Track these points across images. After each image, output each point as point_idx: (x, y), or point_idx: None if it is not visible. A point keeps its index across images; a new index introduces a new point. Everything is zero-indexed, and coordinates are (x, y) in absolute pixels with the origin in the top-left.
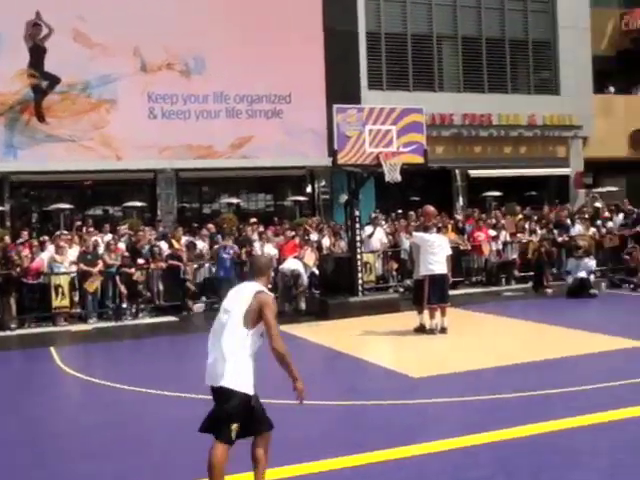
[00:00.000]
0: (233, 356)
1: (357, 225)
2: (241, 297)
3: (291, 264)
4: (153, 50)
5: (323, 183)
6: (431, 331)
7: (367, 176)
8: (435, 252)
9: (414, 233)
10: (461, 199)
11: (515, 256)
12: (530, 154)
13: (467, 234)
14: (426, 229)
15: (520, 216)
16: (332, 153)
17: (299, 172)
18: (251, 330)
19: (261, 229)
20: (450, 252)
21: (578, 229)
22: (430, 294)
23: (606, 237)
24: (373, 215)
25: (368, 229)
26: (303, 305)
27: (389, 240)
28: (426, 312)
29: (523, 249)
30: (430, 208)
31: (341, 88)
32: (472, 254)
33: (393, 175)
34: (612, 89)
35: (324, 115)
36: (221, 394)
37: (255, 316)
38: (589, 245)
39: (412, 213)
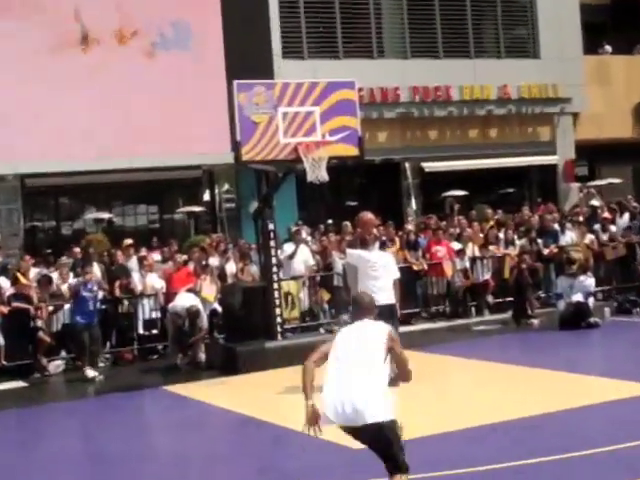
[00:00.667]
0: (379, 391)
1: (272, 243)
2: (371, 336)
3: (185, 300)
4: None
5: (226, 187)
6: None
7: (283, 176)
8: (378, 275)
9: (348, 251)
10: (413, 202)
11: (487, 277)
12: (503, 138)
13: (422, 249)
14: (364, 244)
15: (492, 222)
16: (235, 146)
17: (193, 174)
18: (386, 365)
19: (142, 253)
20: (398, 275)
21: (570, 237)
22: None
23: (608, 246)
24: (294, 228)
25: (288, 248)
26: (202, 356)
27: (317, 262)
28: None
29: (498, 267)
30: (368, 215)
31: (246, 58)
32: (430, 276)
33: (318, 173)
34: (608, 48)
35: (224, 95)
36: (365, 431)
37: (387, 353)
38: (585, 258)
39: (347, 224)
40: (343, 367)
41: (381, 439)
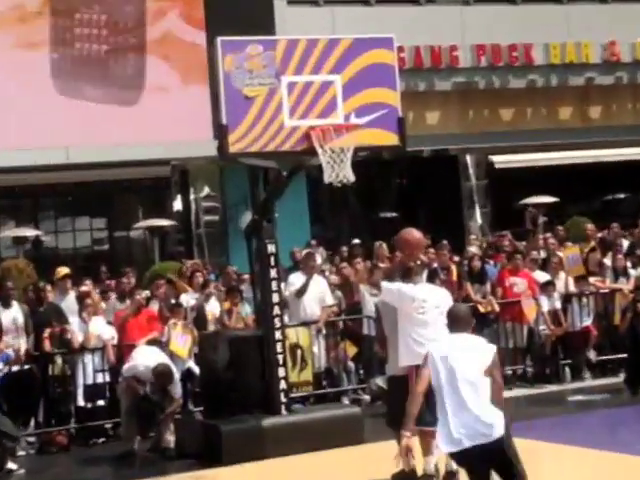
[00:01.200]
0: (491, 407)
1: (274, 272)
2: (476, 351)
3: (148, 356)
4: None
5: (205, 192)
6: (427, 479)
7: (289, 175)
8: (427, 320)
9: (384, 285)
10: (478, 213)
11: (588, 323)
12: (610, 119)
13: (492, 282)
14: (407, 275)
15: (594, 243)
16: (219, 133)
17: (157, 172)
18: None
19: (84, 288)
20: None
21: None
22: (423, 405)
23: None
24: (304, 252)
25: (295, 280)
26: (171, 439)
27: (338, 300)
28: (413, 441)
29: (604, 308)
30: (413, 234)
31: (234, 5)
32: (503, 322)
33: (339, 171)
34: None
35: (202, 59)
36: (497, 445)
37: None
38: None
39: (381, 244)
40: (451, 389)
41: (509, 451)
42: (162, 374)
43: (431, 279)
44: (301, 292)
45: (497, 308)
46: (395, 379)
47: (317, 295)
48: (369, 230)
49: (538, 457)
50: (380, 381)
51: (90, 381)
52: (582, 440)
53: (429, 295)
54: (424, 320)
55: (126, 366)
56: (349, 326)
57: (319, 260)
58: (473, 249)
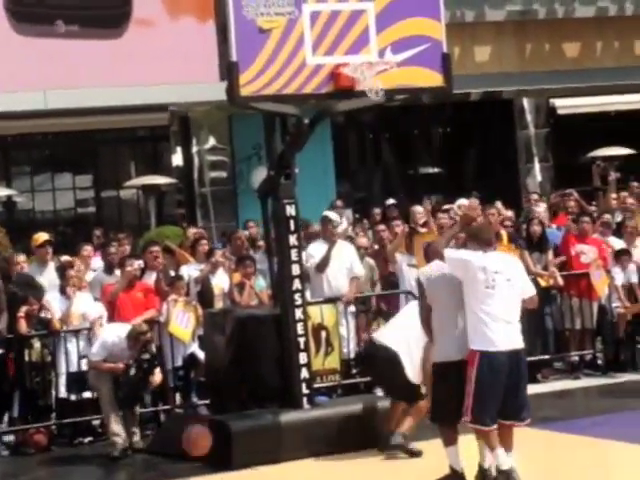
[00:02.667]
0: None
1: (294, 239)
2: (516, 270)
3: (116, 330)
4: None
5: (211, 143)
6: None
7: (312, 123)
8: (499, 297)
9: (447, 253)
10: (537, 167)
11: None
12: None
13: (554, 250)
14: (473, 243)
15: None
16: (228, 73)
17: (153, 120)
18: None
19: (64, 257)
20: (533, 292)
21: None
22: (484, 398)
23: None
24: (330, 215)
25: (315, 250)
26: (136, 430)
27: (369, 269)
28: (469, 440)
29: None
30: (474, 203)
31: None
32: (569, 297)
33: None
34: None
35: None
36: (520, 354)
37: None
38: None
39: (425, 207)
40: (500, 293)
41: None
42: (140, 332)
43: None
44: (322, 265)
45: (561, 281)
46: (443, 366)
47: (343, 265)
48: (406, 189)
49: (612, 458)
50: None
51: (74, 368)
52: None
53: (503, 266)
54: (494, 297)
55: (93, 349)
56: (383, 303)
57: (345, 224)
58: (536, 207)
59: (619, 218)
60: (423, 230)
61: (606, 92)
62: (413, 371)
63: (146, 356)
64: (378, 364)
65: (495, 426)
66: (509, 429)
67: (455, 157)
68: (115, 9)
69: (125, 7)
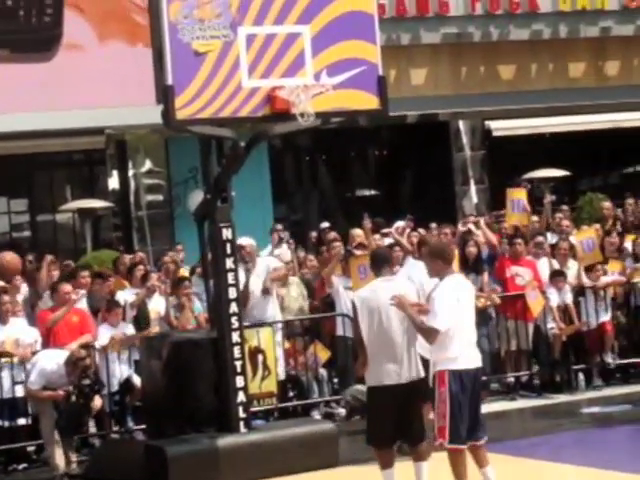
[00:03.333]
0: None
1: (230, 262)
2: (470, 294)
3: (53, 356)
4: None
5: (147, 167)
6: None
7: (249, 146)
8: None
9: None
10: (473, 189)
11: (606, 318)
12: (631, 78)
13: (490, 272)
14: (436, 261)
15: (611, 223)
16: (163, 96)
17: (89, 144)
18: None
19: None
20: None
21: None
22: (459, 416)
23: None
24: (241, 241)
25: (258, 270)
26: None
27: (299, 286)
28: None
29: (624, 302)
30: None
31: None
32: (504, 318)
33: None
34: None
35: (142, 4)
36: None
37: None
38: None
39: (365, 225)
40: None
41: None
42: (79, 358)
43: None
44: (266, 291)
45: (498, 301)
46: (375, 390)
47: (283, 289)
48: (343, 211)
49: (547, 479)
50: (358, 388)
51: (7, 395)
52: (599, 460)
53: (461, 289)
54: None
55: (32, 377)
56: (318, 326)
57: (286, 245)
58: (466, 227)
59: (554, 240)
60: (359, 252)
61: (541, 114)
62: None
63: (86, 382)
64: None
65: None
66: (479, 448)
67: (391, 179)
68: (45, 32)
69: (55, 30)
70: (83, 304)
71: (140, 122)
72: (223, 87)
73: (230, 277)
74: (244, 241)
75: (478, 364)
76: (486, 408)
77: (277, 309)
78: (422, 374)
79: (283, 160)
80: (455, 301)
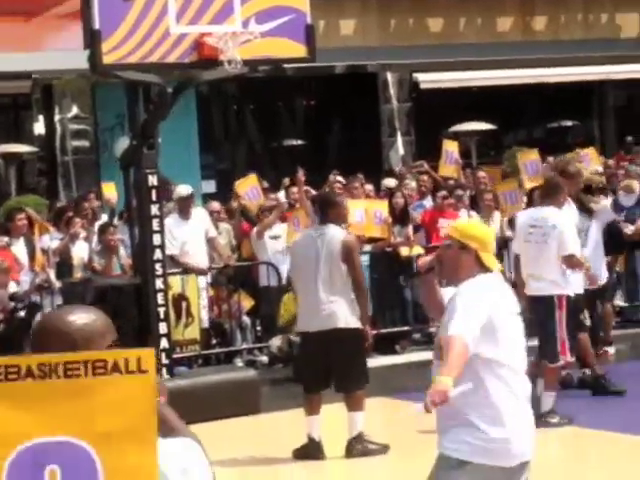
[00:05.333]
0: None
1: (155, 209)
2: None
3: None
4: None
5: (74, 112)
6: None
7: (176, 92)
8: None
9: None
10: (399, 141)
11: None
12: (556, 33)
13: (415, 224)
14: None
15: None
16: (90, 41)
17: (14, 88)
18: None
19: None
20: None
21: None
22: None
23: None
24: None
25: (173, 219)
26: None
27: (228, 234)
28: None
29: None
30: None
31: None
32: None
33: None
34: None
35: None
36: None
37: None
38: None
39: (298, 177)
40: None
41: None
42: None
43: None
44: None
45: (422, 252)
46: (303, 335)
47: (205, 232)
48: (270, 161)
49: None
50: (278, 341)
51: None
52: None
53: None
54: None
55: None
56: (243, 275)
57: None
58: (393, 183)
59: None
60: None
61: (468, 68)
62: None
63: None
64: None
65: None
66: None
67: (319, 130)
68: None
69: None
70: (20, 247)
71: (67, 67)
72: (151, 33)
73: (155, 224)
74: (184, 190)
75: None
76: (408, 358)
77: (206, 257)
78: (353, 325)
79: (211, 108)
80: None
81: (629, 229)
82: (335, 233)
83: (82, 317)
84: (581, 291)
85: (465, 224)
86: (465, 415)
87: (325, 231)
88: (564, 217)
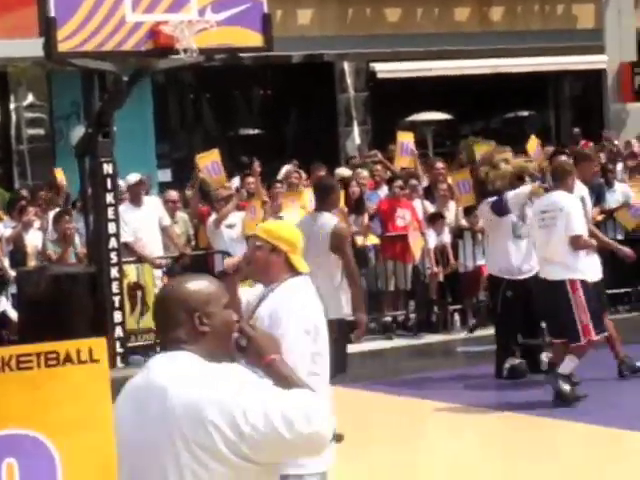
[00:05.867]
0: None
1: (110, 198)
2: None
3: None
4: None
5: (29, 101)
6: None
7: (131, 81)
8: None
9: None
10: (356, 131)
11: (483, 260)
12: (512, 24)
13: (371, 212)
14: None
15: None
16: (45, 29)
17: None
18: None
19: None
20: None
21: (623, 194)
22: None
23: None
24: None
25: (125, 206)
26: None
27: (185, 224)
28: None
29: None
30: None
31: None
32: (384, 259)
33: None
34: None
35: None
36: None
37: None
38: None
39: (254, 168)
40: None
41: None
42: None
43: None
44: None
45: (377, 241)
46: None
47: (158, 221)
48: (227, 150)
49: (420, 418)
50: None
51: None
52: (473, 400)
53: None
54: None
55: None
56: (198, 263)
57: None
58: (345, 172)
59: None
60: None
61: (425, 57)
62: None
63: None
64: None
65: None
66: None
67: (276, 119)
68: None
69: None
70: None
71: (22, 55)
72: (106, 21)
73: (110, 212)
74: (133, 177)
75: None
76: (363, 347)
77: (160, 245)
78: (332, 316)
79: (167, 97)
80: None
81: None
82: (326, 221)
83: (197, 284)
84: (600, 276)
85: (275, 225)
86: None
87: (318, 218)
88: (572, 200)
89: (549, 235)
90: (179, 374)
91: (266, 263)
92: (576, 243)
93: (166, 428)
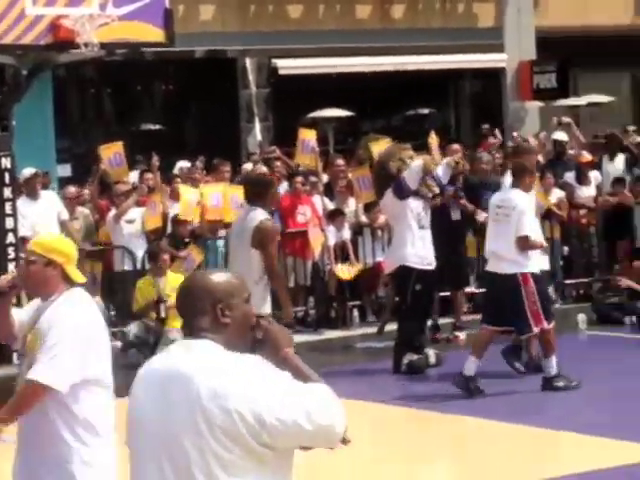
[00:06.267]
0: None
1: (9, 192)
2: None
3: None
4: None
5: None
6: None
7: (30, 74)
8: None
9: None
10: (257, 127)
11: (381, 259)
12: (413, 22)
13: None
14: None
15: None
16: None
17: None
18: None
19: None
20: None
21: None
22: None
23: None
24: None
25: (22, 200)
26: None
27: (85, 219)
28: None
29: None
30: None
31: None
32: (283, 255)
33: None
34: None
35: None
36: None
37: None
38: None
39: (153, 163)
40: None
41: None
42: None
43: None
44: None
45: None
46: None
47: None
48: (127, 145)
49: None
50: (134, 328)
51: None
52: (370, 395)
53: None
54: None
55: None
56: (99, 259)
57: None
58: (247, 165)
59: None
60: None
61: (327, 54)
62: None
63: None
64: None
65: None
66: None
67: (178, 114)
68: None
69: None
70: None
71: None
72: (5, 13)
73: (8, 207)
74: (28, 171)
75: None
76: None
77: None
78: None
79: (67, 91)
80: None
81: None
82: (255, 216)
83: (222, 276)
84: (546, 267)
85: (48, 239)
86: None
87: (249, 213)
88: (526, 199)
89: (499, 230)
90: (205, 362)
91: (43, 277)
92: (523, 243)
93: (191, 414)
